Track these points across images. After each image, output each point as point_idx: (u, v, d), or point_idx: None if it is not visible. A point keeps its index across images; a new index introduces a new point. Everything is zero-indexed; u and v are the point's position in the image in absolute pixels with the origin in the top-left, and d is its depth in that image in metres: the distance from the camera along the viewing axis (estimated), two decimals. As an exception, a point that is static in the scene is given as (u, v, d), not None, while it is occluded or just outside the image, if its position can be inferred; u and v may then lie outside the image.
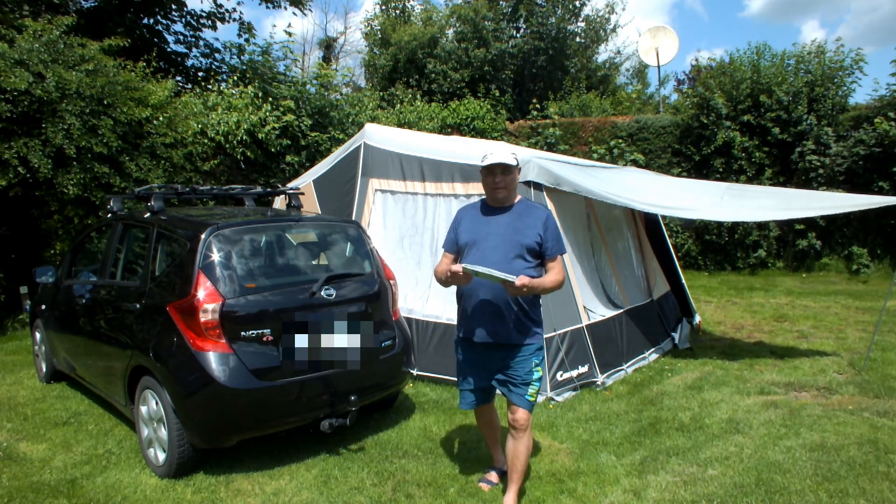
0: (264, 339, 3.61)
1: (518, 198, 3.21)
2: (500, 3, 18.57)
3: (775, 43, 47.89)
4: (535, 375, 3.11)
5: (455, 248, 3.19)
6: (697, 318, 7.40)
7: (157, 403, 3.68)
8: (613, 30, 20.26)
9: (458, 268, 2.90)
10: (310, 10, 16.93)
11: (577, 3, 19.12)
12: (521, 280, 2.84)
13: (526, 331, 3.09)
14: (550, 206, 5.04)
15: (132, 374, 3.89)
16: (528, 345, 3.09)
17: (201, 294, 3.52)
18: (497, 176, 3.07)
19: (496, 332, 3.05)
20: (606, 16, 19.78)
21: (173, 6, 14.82)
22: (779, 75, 11.78)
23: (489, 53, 17.34)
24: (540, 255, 3.07)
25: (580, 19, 19.60)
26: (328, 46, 27.86)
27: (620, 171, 7.38)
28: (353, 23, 48.63)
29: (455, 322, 3.34)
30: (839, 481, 3.36)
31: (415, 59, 17.63)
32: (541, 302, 3.25)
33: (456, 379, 3.44)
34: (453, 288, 3.25)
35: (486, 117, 14.69)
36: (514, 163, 3.06)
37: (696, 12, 52.57)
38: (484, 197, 3.26)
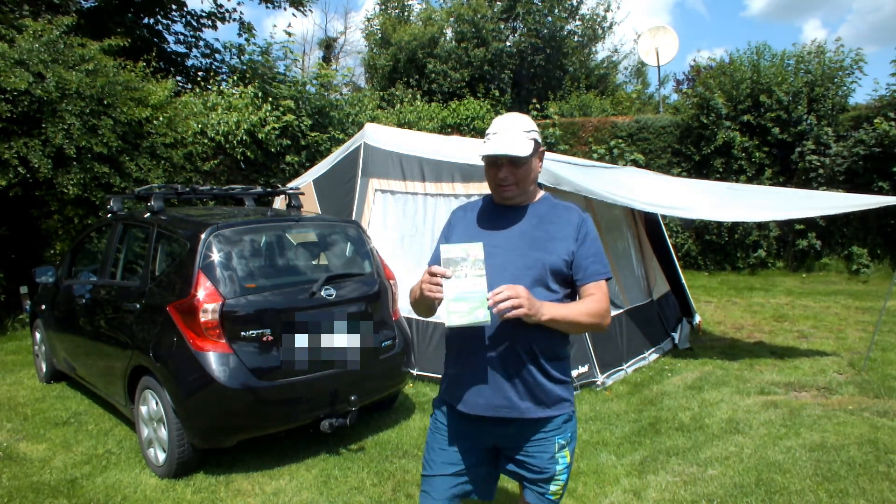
0: (264, 339, 3.61)
1: (539, 194, 2.12)
2: (498, 2, 18.59)
3: (776, 43, 47.99)
4: (561, 464, 2.00)
5: None
6: (697, 318, 7.40)
7: (157, 403, 3.68)
8: (610, 27, 20.29)
9: (439, 270, 1.85)
10: (310, 10, 16.93)
11: (574, 2, 19.15)
12: (507, 297, 1.74)
13: (547, 398, 1.96)
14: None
15: (132, 374, 3.89)
16: (550, 418, 1.97)
17: (201, 294, 3.52)
18: (502, 169, 1.99)
19: (497, 402, 1.94)
20: (602, 13, 19.83)
21: (173, 6, 14.82)
22: (779, 75, 11.78)
23: (488, 53, 17.35)
24: (570, 282, 2.00)
25: (576, 18, 19.63)
26: (328, 46, 27.87)
27: (620, 171, 7.39)
28: (354, 23, 48.68)
29: None
30: (839, 481, 3.36)
31: (415, 58, 17.64)
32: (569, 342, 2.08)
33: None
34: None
35: (486, 117, 14.72)
36: (529, 151, 1.95)
37: (697, 12, 52.68)
38: (489, 193, 2.16)
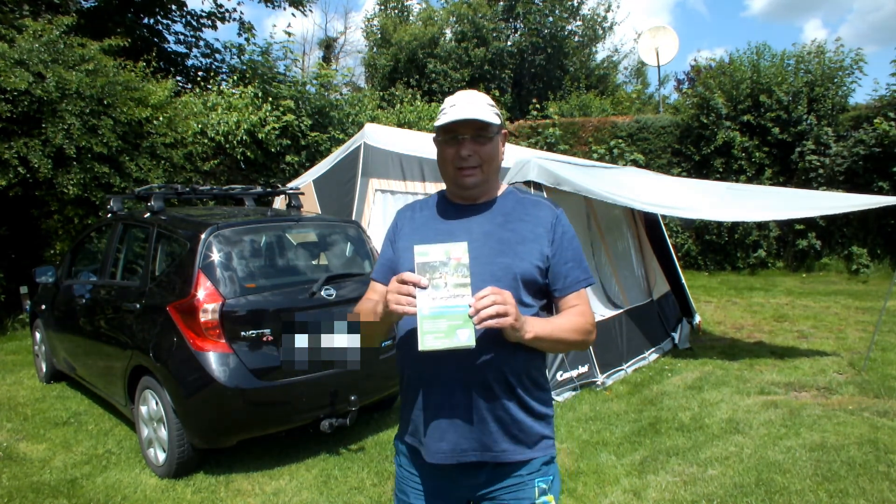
0: (264, 339, 3.61)
1: (503, 188, 1.77)
2: (499, 1, 18.61)
3: (777, 43, 48.10)
4: None
5: (391, 277, 1.56)
6: (697, 318, 7.40)
7: (157, 403, 3.68)
8: (610, 27, 20.33)
9: (412, 277, 1.44)
10: (310, 10, 16.94)
11: (575, 2, 19.17)
12: (492, 303, 1.39)
13: (527, 436, 1.60)
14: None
15: (132, 374, 3.89)
16: (529, 461, 1.61)
17: (201, 294, 3.52)
18: (464, 145, 1.62)
19: (464, 445, 1.57)
20: (602, 13, 19.87)
21: (173, 6, 14.83)
22: (779, 75, 11.79)
23: (489, 53, 17.36)
24: (546, 292, 1.67)
25: (577, 18, 19.66)
26: (328, 46, 27.87)
27: (620, 171, 7.38)
28: (354, 23, 48.72)
29: None
30: (839, 481, 3.36)
31: (415, 58, 17.65)
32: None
33: None
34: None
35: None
36: (496, 119, 1.63)
37: (697, 12, 52.73)
38: (443, 189, 1.79)
